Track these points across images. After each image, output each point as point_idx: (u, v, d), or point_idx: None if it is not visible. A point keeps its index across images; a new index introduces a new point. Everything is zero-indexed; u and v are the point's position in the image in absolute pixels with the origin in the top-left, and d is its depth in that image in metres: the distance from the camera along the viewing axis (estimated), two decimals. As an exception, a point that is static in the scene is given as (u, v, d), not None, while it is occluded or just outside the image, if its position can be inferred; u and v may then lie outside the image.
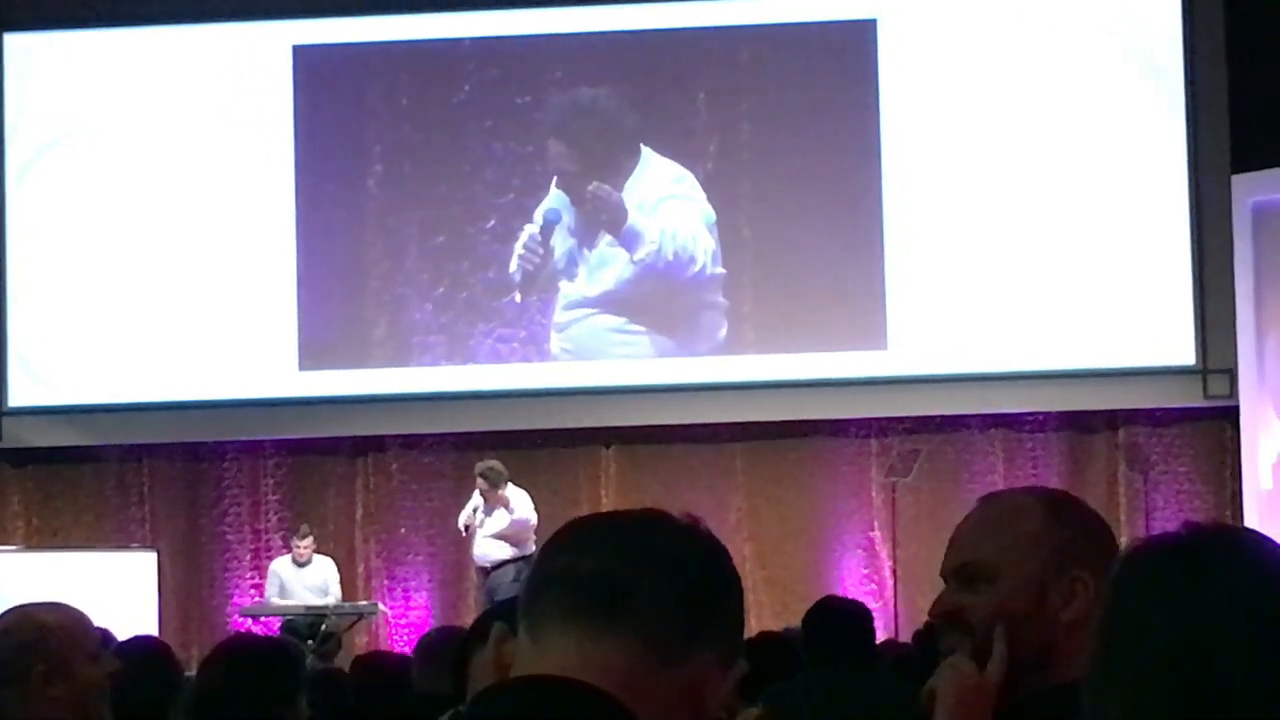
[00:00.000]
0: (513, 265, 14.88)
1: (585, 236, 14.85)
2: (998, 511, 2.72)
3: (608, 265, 14.81)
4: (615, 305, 14.80)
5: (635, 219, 14.76)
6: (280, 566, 14.55)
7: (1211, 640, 1.88)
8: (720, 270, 14.76)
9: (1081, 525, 2.68)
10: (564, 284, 14.86)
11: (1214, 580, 1.93)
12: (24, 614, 3.95)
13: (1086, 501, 2.79)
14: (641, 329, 14.79)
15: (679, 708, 1.93)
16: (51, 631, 3.89)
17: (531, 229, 14.86)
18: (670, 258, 14.76)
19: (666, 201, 14.81)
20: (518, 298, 14.88)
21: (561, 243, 14.87)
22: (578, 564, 1.95)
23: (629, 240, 14.77)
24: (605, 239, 14.82)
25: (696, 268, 14.77)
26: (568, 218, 14.86)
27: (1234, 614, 1.89)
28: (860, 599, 8.64)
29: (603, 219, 14.79)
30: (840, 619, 6.42)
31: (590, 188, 14.75)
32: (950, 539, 2.74)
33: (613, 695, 1.87)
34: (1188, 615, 1.90)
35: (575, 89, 14.95)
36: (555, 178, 14.90)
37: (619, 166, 14.87)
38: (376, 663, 6.78)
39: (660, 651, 1.92)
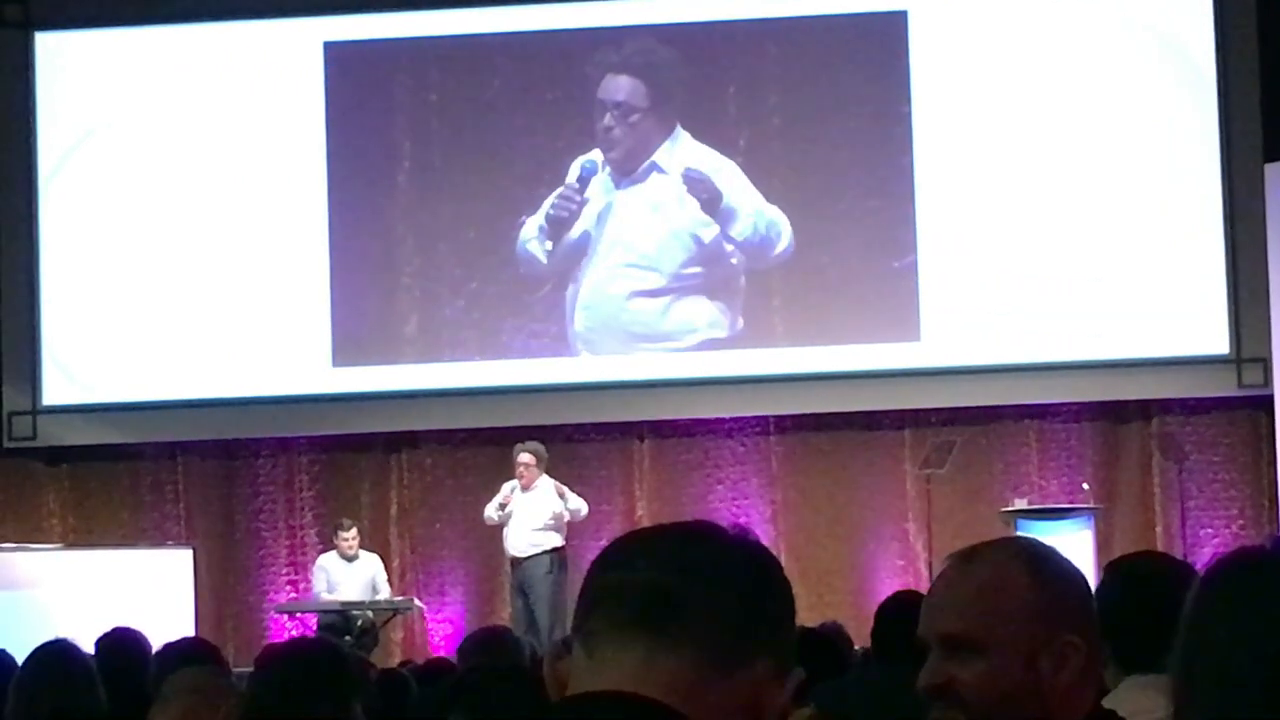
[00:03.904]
0: (541, 211, 14.85)
1: (617, 195, 14.87)
2: (979, 577, 2.60)
3: (641, 229, 14.82)
4: (643, 273, 14.80)
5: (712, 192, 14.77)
6: (328, 561, 14.40)
7: None
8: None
9: (1064, 583, 2.58)
10: (585, 264, 14.84)
11: None
12: None
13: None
14: (669, 300, 14.77)
15: (738, 717, 1.93)
16: None
17: (570, 178, 14.86)
18: (763, 233, 14.75)
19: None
20: (549, 245, 14.84)
21: (597, 197, 14.86)
22: (631, 578, 1.96)
23: (725, 217, 14.75)
24: (639, 200, 14.82)
25: (781, 246, 14.75)
26: (603, 174, 14.87)
27: None
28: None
29: (702, 197, 14.76)
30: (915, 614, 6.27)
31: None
32: (928, 596, 2.65)
33: (674, 708, 1.88)
34: (1274, 628, 1.91)
35: (606, 79, 14.96)
36: (597, 134, 14.88)
37: (663, 120, 14.90)
38: (438, 668, 6.78)
39: (717, 662, 1.92)
